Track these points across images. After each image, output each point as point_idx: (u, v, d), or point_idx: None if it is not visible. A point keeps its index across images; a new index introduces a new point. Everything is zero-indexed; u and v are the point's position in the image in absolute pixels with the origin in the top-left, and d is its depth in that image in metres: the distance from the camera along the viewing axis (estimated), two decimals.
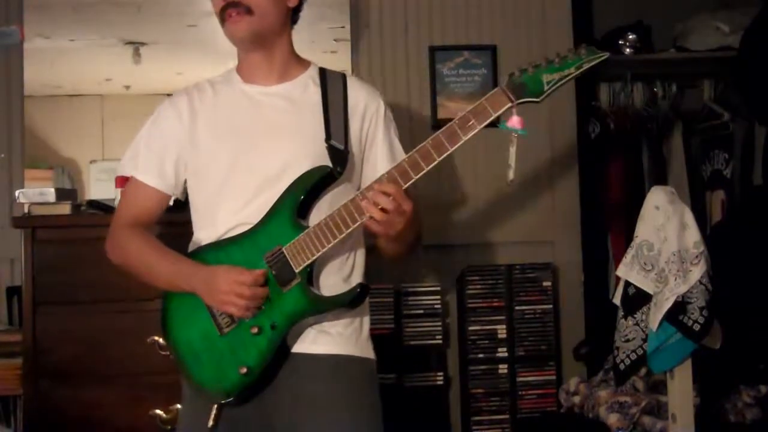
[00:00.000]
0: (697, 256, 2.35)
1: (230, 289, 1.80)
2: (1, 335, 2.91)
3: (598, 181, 3.60)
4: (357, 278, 1.95)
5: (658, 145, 3.67)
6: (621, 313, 2.52)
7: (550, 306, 3.31)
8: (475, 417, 3.25)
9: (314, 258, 1.81)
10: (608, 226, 3.58)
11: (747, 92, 3.44)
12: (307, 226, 1.83)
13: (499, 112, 1.74)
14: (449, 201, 3.41)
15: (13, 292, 3.11)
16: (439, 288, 3.27)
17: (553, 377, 3.28)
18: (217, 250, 1.90)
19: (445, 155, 1.74)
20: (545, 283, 3.31)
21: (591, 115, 3.67)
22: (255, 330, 1.83)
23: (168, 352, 1.98)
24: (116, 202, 2.75)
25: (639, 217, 2.50)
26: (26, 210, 2.73)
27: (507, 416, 3.25)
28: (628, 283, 2.50)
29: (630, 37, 3.68)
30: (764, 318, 2.90)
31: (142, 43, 3.29)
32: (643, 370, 2.73)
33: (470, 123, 1.74)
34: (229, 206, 1.90)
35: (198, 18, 3.24)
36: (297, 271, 1.82)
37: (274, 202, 1.86)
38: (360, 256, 1.99)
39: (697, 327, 2.33)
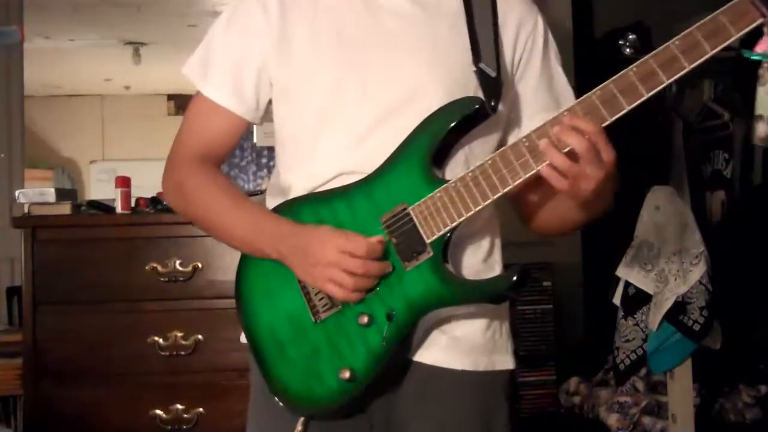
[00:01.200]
0: (697, 256, 2.35)
1: (335, 260, 1.29)
2: (1, 335, 2.91)
3: None
4: (498, 260, 1.50)
5: (658, 145, 3.67)
6: (621, 313, 2.52)
7: (550, 306, 3.31)
8: None
9: (456, 224, 1.31)
10: (608, 225, 3.58)
11: (747, 92, 3.44)
12: (445, 180, 1.33)
13: (744, 31, 1.27)
14: None
15: (13, 292, 3.11)
16: None
17: (553, 377, 3.28)
18: (317, 205, 1.38)
19: (655, 91, 1.27)
20: (545, 283, 3.31)
21: None
22: (364, 320, 1.33)
23: (245, 341, 1.46)
24: (116, 203, 2.76)
25: (639, 217, 2.51)
26: (26, 210, 2.73)
27: None
28: (628, 283, 2.50)
29: (630, 37, 3.68)
30: (764, 318, 2.90)
31: (142, 43, 3.29)
32: (643, 371, 2.73)
33: (699, 46, 1.27)
34: (330, 146, 1.39)
35: (198, 18, 3.24)
36: (429, 241, 1.31)
37: (401, 143, 1.34)
38: (497, 229, 1.51)
39: (697, 327, 2.33)
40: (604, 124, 1.25)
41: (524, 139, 1.28)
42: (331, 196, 1.38)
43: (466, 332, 1.41)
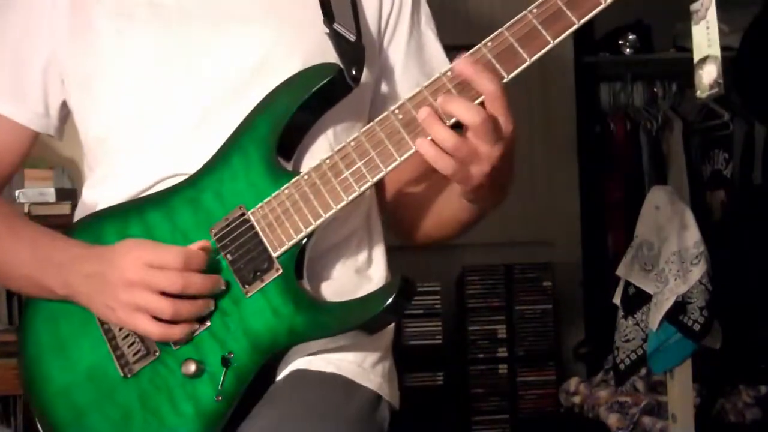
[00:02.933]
0: (697, 256, 2.35)
1: (139, 278, 0.96)
2: (0, 335, 2.91)
3: (598, 180, 3.60)
4: (380, 271, 1.14)
5: (658, 145, 3.67)
6: (621, 313, 2.52)
7: (550, 306, 3.31)
8: (475, 417, 3.25)
9: (312, 229, 1.00)
10: (608, 225, 3.58)
11: (746, 92, 3.45)
12: (295, 173, 1.02)
13: None
14: None
15: (13, 291, 3.11)
16: (438, 288, 3.26)
17: (553, 377, 3.28)
18: (124, 219, 1.06)
19: (563, 36, 0.96)
20: (545, 283, 3.31)
21: (591, 115, 3.67)
22: (191, 368, 0.99)
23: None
24: None
25: (639, 217, 2.50)
26: (26, 210, 2.73)
27: (507, 416, 3.25)
28: (628, 283, 2.50)
29: (630, 37, 3.68)
30: (764, 318, 2.90)
31: None
32: (643, 370, 2.73)
33: None
34: (148, 146, 1.08)
35: None
36: (276, 255, 1.00)
37: (234, 130, 1.04)
38: (378, 230, 1.17)
39: (697, 327, 2.32)
40: (507, 79, 0.95)
41: (396, 110, 0.96)
42: (144, 205, 1.06)
43: (340, 355, 1.07)
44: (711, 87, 0.99)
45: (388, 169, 0.97)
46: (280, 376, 1.05)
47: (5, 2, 1.15)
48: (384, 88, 1.17)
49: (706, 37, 0.99)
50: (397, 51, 1.17)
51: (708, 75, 0.99)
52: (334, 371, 1.05)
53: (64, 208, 2.75)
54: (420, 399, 3.20)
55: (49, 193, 2.79)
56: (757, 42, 3.36)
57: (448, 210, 1.10)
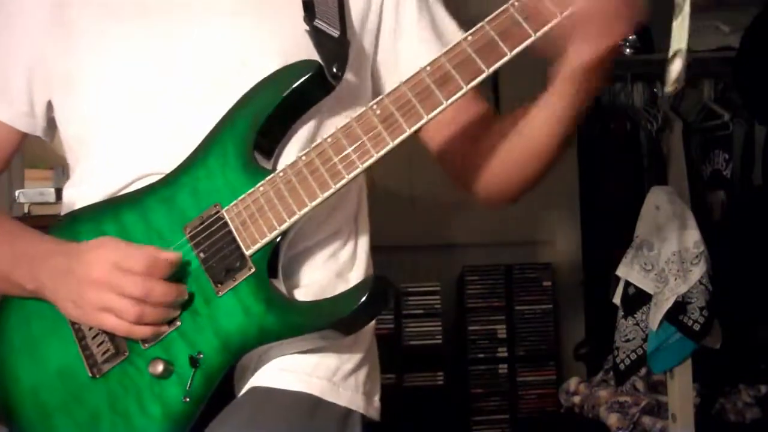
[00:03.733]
0: (697, 256, 2.35)
1: (105, 278, 0.95)
2: None
3: (598, 181, 3.60)
4: (362, 273, 1.13)
5: (658, 145, 3.67)
6: (621, 313, 2.52)
7: (550, 306, 3.31)
8: (475, 417, 3.25)
9: (286, 227, 0.98)
10: (608, 225, 3.58)
11: (747, 92, 3.45)
12: (271, 170, 1.01)
13: None
14: (448, 201, 3.41)
15: None
16: (438, 288, 3.26)
17: (553, 377, 3.28)
18: (99, 218, 1.06)
19: (548, 27, 0.97)
20: (545, 283, 3.32)
21: (591, 115, 3.67)
22: (158, 368, 0.97)
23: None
24: None
25: (639, 216, 2.51)
26: (26, 210, 2.73)
27: (507, 416, 3.25)
28: (628, 283, 2.50)
29: (630, 37, 3.69)
30: (764, 318, 2.90)
31: None
32: (643, 370, 2.73)
33: None
34: (127, 144, 1.07)
35: None
36: (249, 253, 0.98)
37: (212, 128, 1.03)
38: (363, 233, 1.15)
39: (697, 327, 2.33)
40: (502, 61, 0.95)
41: (374, 106, 0.96)
42: (119, 204, 1.05)
43: (308, 364, 1.04)
44: (675, 81, 0.98)
45: (365, 165, 0.96)
46: (244, 389, 1.03)
47: None
48: (398, 77, 1.04)
49: (679, 31, 1.00)
50: (409, 36, 1.14)
51: (675, 69, 0.99)
52: (302, 389, 1.02)
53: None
54: (420, 399, 3.20)
55: (49, 193, 2.79)
56: (757, 42, 3.36)
57: (525, 142, 1.12)
